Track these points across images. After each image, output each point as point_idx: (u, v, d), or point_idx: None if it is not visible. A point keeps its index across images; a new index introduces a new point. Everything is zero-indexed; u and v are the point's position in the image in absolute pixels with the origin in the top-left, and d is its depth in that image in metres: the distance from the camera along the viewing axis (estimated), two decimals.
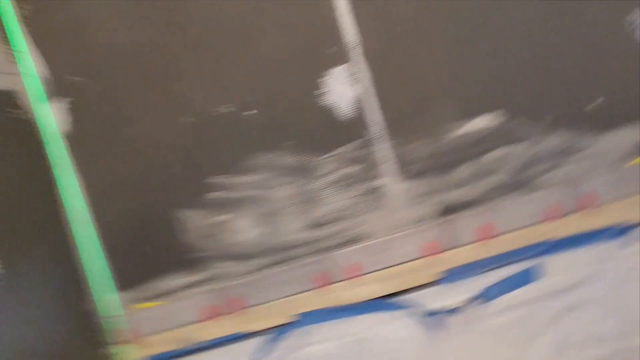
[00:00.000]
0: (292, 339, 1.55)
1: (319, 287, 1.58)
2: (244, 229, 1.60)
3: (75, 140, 1.60)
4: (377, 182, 1.58)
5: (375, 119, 1.55)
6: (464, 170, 1.56)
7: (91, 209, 1.61)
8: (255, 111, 1.55)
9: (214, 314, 1.60)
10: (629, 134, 1.53)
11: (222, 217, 1.60)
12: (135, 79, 1.57)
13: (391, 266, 1.57)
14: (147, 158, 1.59)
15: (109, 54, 1.56)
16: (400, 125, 1.55)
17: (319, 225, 1.60)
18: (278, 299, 1.59)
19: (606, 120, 1.53)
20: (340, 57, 1.53)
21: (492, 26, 1.50)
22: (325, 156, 1.57)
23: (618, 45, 1.49)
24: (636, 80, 1.50)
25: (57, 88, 1.59)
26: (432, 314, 1.51)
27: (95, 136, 1.59)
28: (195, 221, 1.60)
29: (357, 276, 1.57)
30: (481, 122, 1.54)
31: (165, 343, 1.61)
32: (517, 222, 1.54)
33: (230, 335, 1.59)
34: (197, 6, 1.53)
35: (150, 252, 1.62)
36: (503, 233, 1.54)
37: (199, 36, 1.54)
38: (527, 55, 1.50)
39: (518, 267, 1.50)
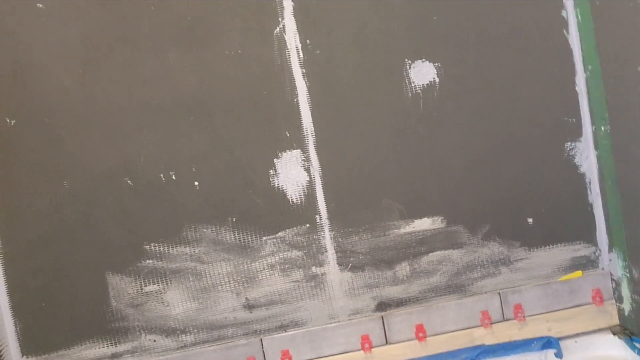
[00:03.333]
0: None
1: None
2: (175, 302, 1.54)
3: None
4: (316, 270, 1.57)
5: (319, 208, 1.56)
6: (401, 269, 1.59)
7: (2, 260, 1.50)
8: (197, 183, 1.52)
9: None
10: (560, 251, 1.61)
11: (153, 287, 1.53)
12: (77, 130, 1.50)
13: (323, 357, 1.54)
14: (78, 215, 1.51)
15: (52, 100, 1.49)
16: (343, 217, 1.57)
17: (253, 306, 1.56)
18: None
19: (540, 237, 1.61)
20: (295, 142, 1.54)
21: (439, 140, 1.57)
22: (267, 237, 1.55)
23: (555, 169, 1.59)
24: (570, 203, 1.60)
25: None
26: None
27: (26, 184, 1.50)
28: (123, 288, 1.52)
29: None
30: (421, 225, 1.58)
31: None
32: (449, 325, 1.57)
33: None
34: (153, 69, 1.50)
35: (67, 316, 1.51)
36: (435, 334, 1.56)
37: (151, 100, 1.51)
38: (468, 170, 1.58)
39: None
